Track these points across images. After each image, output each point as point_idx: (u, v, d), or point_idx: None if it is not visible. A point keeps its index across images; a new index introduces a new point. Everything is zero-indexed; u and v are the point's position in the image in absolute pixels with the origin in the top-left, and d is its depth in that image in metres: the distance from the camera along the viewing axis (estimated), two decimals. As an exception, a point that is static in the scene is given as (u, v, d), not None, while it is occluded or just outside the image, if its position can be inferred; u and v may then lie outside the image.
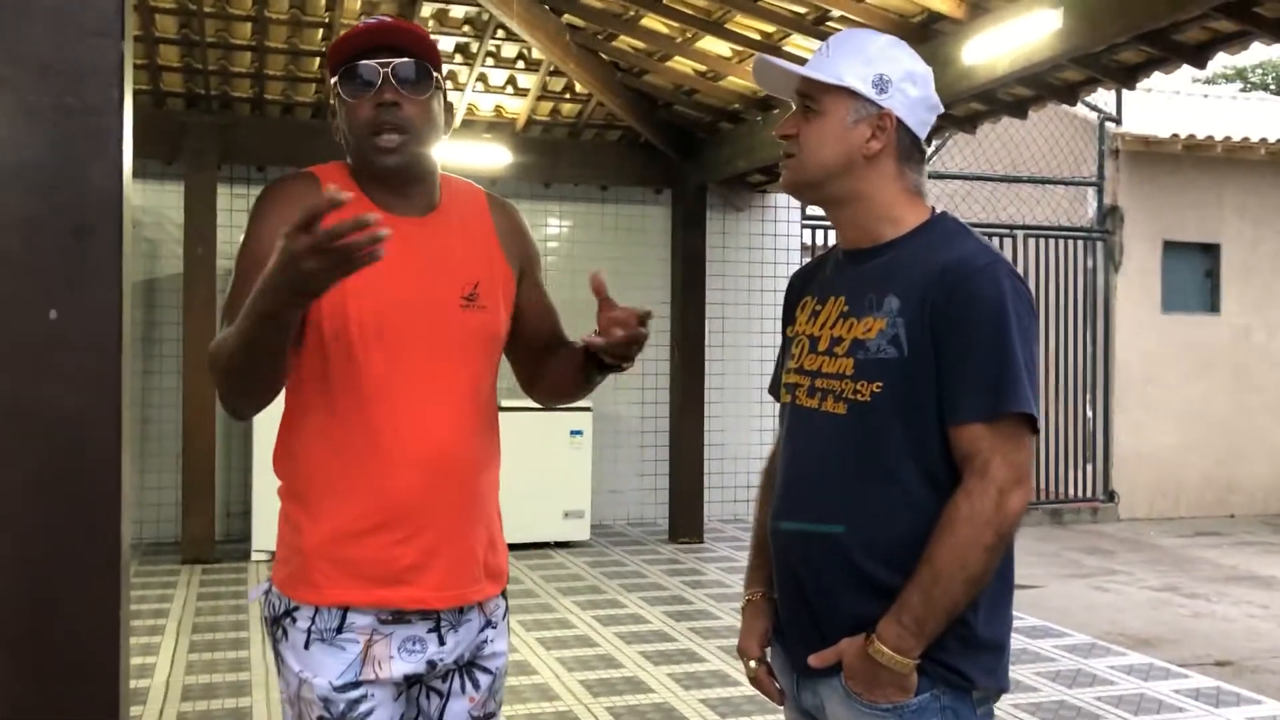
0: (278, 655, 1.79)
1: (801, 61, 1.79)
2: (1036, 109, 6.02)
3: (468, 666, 1.84)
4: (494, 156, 7.71)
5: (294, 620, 1.75)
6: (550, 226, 8.32)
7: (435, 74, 1.83)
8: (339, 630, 1.73)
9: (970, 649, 1.60)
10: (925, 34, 5.51)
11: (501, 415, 7.63)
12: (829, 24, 5.87)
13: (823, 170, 1.71)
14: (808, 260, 2.01)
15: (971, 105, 6.08)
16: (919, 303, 1.61)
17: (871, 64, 1.69)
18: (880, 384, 1.62)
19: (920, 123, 1.73)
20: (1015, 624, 5.57)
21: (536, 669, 4.76)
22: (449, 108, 1.94)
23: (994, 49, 4.98)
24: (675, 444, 8.01)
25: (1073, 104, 5.92)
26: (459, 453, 1.80)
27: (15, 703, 1.77)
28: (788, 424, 1.78)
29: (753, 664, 1.82)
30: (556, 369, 2.01)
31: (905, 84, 1.70)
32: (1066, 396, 10.09)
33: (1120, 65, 5.23)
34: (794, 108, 1.76)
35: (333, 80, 1.81)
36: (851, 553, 1.62)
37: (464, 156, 7.66)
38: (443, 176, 1.95)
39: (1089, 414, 10.14)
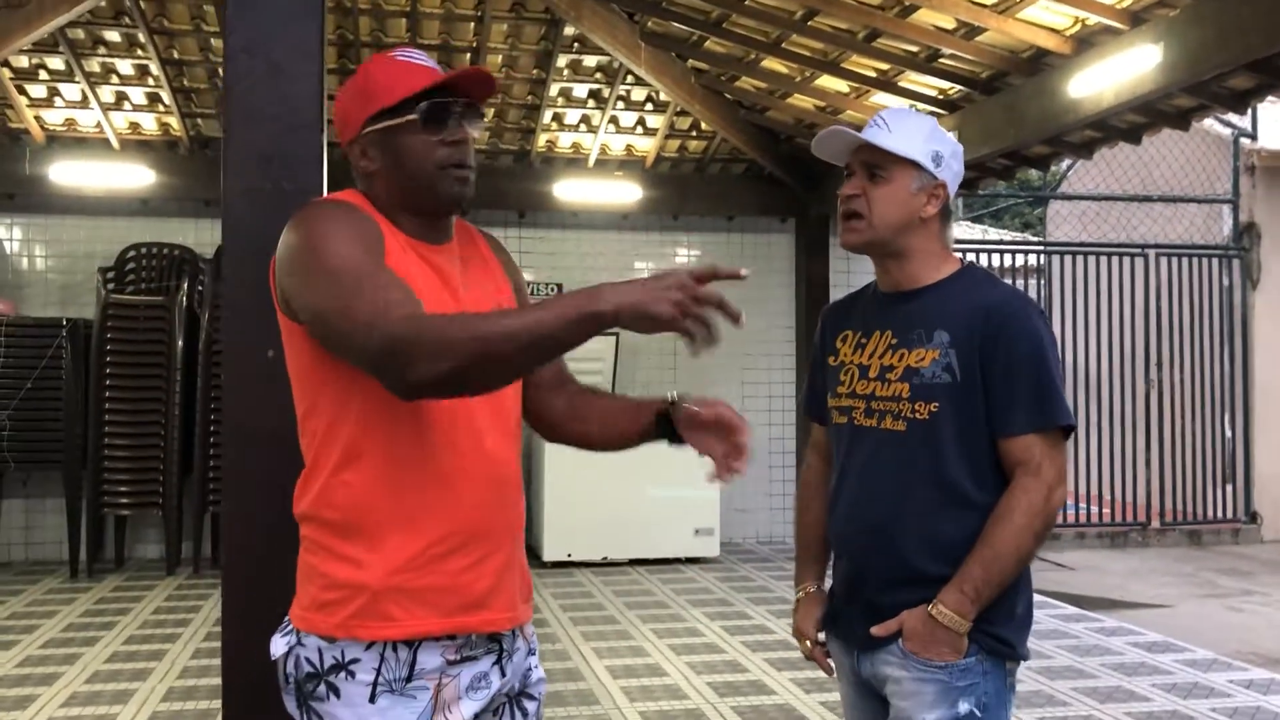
0: (316, 715, 1.66)
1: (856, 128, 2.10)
2: (1150, 134, 6.14)
3: (517, 696, 1.81)
4: (625, 193, 8.18)
5: (352, 674, 1.63)
6: (679, 256, 8.73)
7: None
8: (409, 679, 1.64)
9: (1010, 620, 1.96)
10: (1034, 68, 5.73)
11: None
12: (941, 61, 6.14)
13: (889, 230, 2.03)
14: (845, 295, 2.32)
15: (1086, 133, 6.25)
16: (967, 336, 1.95)
17: (930, 141, 2.03)
18: (936, 404, 1.96)
19: (955, 191, 2.10)
20: (1135, 638, 5.67)
21: (667, 671, 5.13)
22: None
23: (1099, 82, 5.18)
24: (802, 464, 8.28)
25: (1185, 129, 6.03)
26: (511, 473, 1.79)
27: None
28: (847, 441, 2.10)
29: (809, 643, 2.17)
30: (609, 418, 1.92)
31: (953, 160, 2.06)
32: (1204, 416, 9.96)
33: (1230, 91, 5.35)
34: (853, 172, 2.06)
35: (399, 119, 1.73)
36: (906, 546, 1.96)
37: (598, 194, 8.17)
38: None
39: (1228, 434, 9.99)
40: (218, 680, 4.91)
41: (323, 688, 1.64)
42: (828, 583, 2.20)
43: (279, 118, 2.38)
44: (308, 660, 1.66)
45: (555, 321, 1.50)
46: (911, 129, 2.04)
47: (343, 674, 1.63)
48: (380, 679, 1.62)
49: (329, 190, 2.46)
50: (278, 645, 1.71)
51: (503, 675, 1.74)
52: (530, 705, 1.81)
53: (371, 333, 1.49)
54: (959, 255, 2.12)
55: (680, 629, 5.97)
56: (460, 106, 1.75)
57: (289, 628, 1.71)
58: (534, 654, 1.83)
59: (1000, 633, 1.94)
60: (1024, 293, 2.05)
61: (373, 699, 1.62)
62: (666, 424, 1.83)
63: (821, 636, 2.16)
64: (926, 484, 1.96)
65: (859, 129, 2.06)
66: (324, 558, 1.67)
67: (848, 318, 2.17)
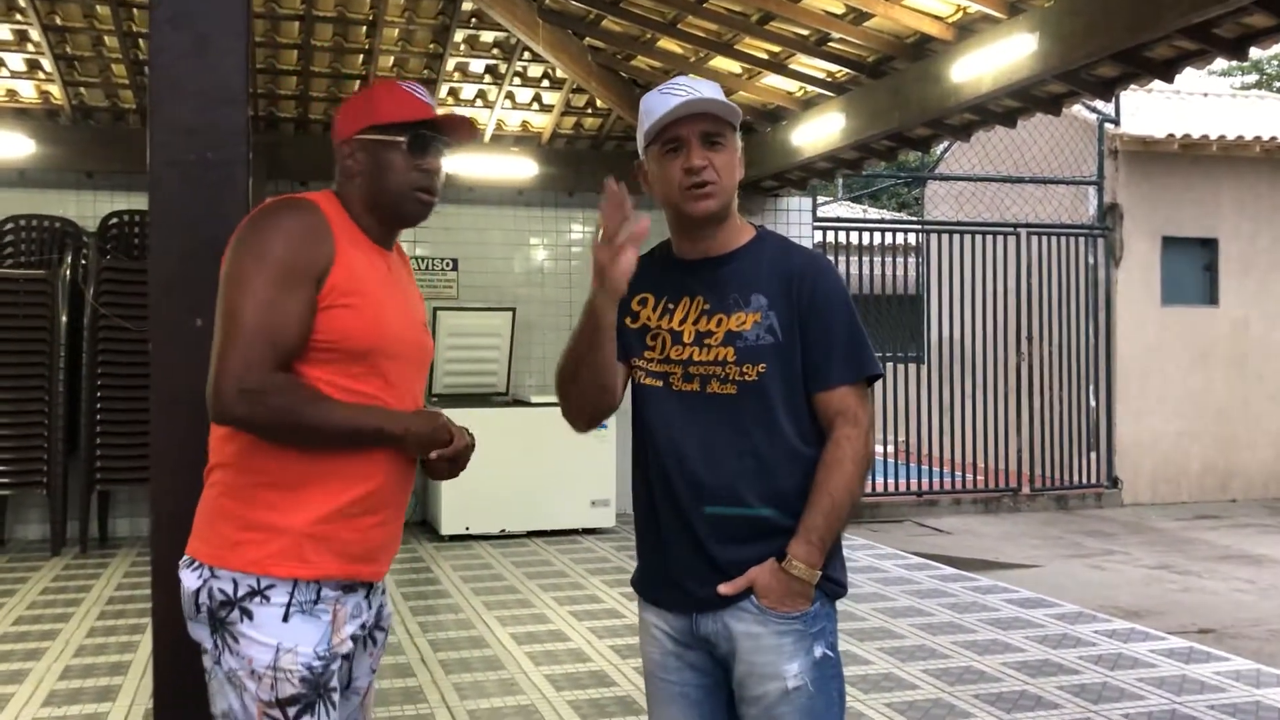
0: (230, 637, 1.88)
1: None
2: (1024, 119, 6.48)
3: (372, 630, 2.09)
4: (521, 168, 8.24)
5: (267, 598, 1.88)
6: (574, 233, 8.83)
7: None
8: (316, 601, 1.92)
9: (838, 562, 2.08)
10: (918, 53, 5.99)
11: (532, 410, 8.31)
12: (830, 45, 6.36)
13: (731, 195, 2.07)
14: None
15: (965, 116, 6.55)
16: (784, 298, 2.03)
17: (730, 103, 2.05)
18: (764, 365, 2.02)
19: None
20: (1009, 595, 6.03)
21: (570, 637, 5.27)
22: None
23: (979, 68, 5.46)
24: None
25: (1057, 114, 6.38)
26: (411, 460, 2.07)
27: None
28: (660, 404, 2.09)
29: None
30: None
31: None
32: (1070, 388, 10.52)
33: (1098, 79, 5.69)
34: (683, 144, 2.02)
35: (391, 137, 2.03)
36: (748, 502, 2.01)
37: (493, 169, 8.20)
38: None
39: (1092, 404, 10.58)
40: (116, 658, 4.90)
41: (236, 613, 1.89)
42: None
43: (204, 91, 2.41)
44: (221, 590, 1.90)
45: (356, 429, 1.92)
46: (716, 92, 2.05)
47: (257, 598, 1.88)
48: (293, 601, 1.90)
49: (252, 161, 2.51)
50: (189, 580, 1.93)
51: (370, 608, 2.06)
52: (380, 636, 2.12)
53: (227, 377, 1.84)
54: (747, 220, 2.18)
55: (581, 596, 6.11)
56: (440, 142, 2.08)
57: (197, 564, 1.93)
58: (384, 593, 2.15)
59: (834, 575, 2.05)
60: (821, 253, 2.13)
61: (286, 618, 1.89)
62: None
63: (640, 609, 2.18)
64: (762, 442, 2.02)
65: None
66: (243, 504, 1.92)
67: (642, 281, 2.07)
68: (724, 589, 2.00)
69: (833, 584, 2.06)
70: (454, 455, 1.98)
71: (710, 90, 2.04)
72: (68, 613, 5.71)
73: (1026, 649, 5.12)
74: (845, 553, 2.14)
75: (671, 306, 2.11)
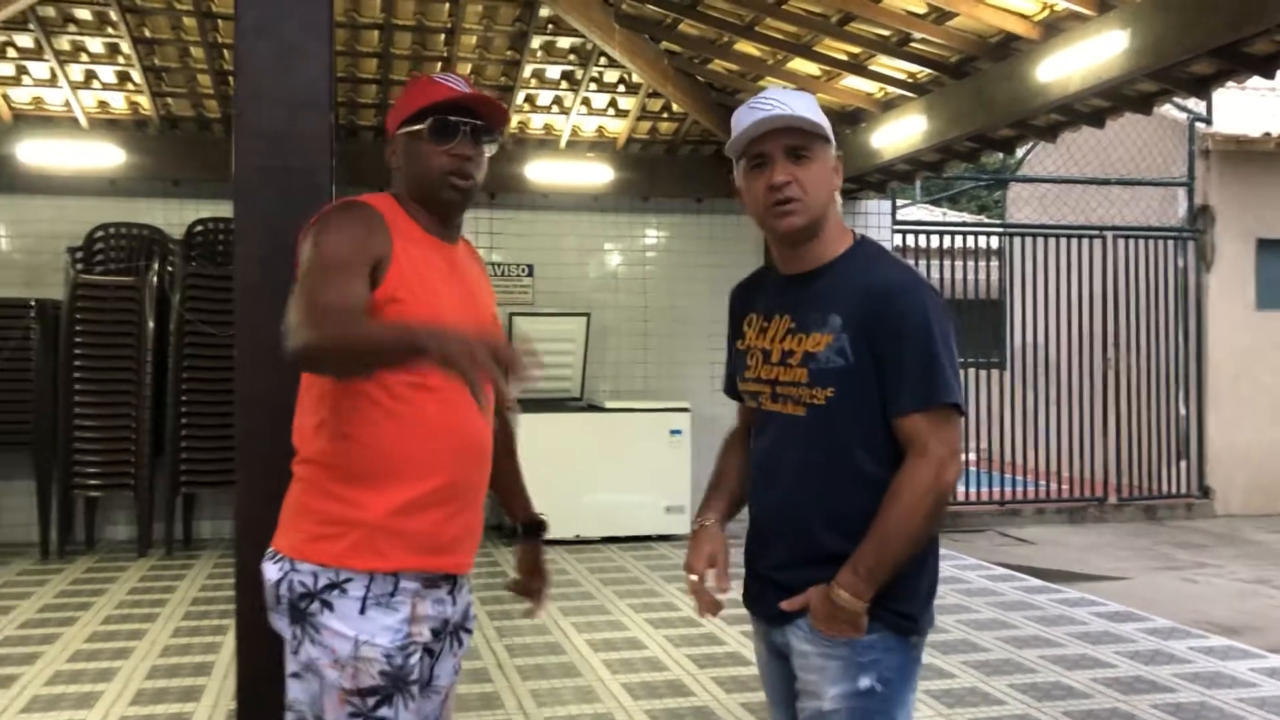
0: (311, 628, 1.92)
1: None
2: (1113, 118, 6.29)
3: (456, 630, 2.11)
4: (596, 174, 8.23)
5: (345, 591, 1.92)
6: (648, 238, 8.80)
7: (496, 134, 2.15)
8: (393, 594, 1.94)
9: (913, 597, 1.99)
10: (1002, 52, 5.86)
11: (605, 416, 8.29)
12: (912, 45, 6.25)
13: (821, 211, 2.01)
14: (748, 276, 2.28)
15: (1051, 116, 6.38)
16: (858, 318, 1.95)
17: (821, 116, 2.01)
18: (832, 390, 1.97)
19: None
20: (1098, 608, 5.85)
21: (646, 645, 5.23)
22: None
23: (1067, 67, 5.31)
24: (771, 443, 8.41)
25: (1148, 113, 6.18)
26: (489, 445, 2.10)
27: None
28: (757, 423, 2.13)
29: (694, 578, 2.13)
30: (503, 481, 2.33)
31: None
32: (1159, 395, 10.21)
33: (1193, 77, 5.49)
34: (769, 160, 1.99)
35: (416, 126, 2.03)
36: (812, 525, 1.99)
37: (568, 175, 8.21)
38: None
39: (1182, 411, 10.25)
40: (200, 658, 4.98)
41: (316, 604, 1.92)
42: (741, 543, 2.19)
43: (289, 97, 2.42)
44: (301, 583, 1.93)
45: (376, 340, 1.79)
46: (806, 103, 2.00)
47: (336, 591, 1.92)
48: (370, 594, 1.92)
49: (335, 168, 2.52)
50: (271, 571, 1.97)
51: (454, 604, 2.07)
52: (465, 636, 2.13)
53: (292, 318, 1.82)
54: (850, 229, 2.10)
55: (657, 604, 6.07)
56: (469, 126, 2.03)
57: (279, 557, 1.97)
58: (470, 592, 2.16)
59: (903, 608, 1.98)
60: (915, 269, 2.04)
61: (363, 610, 1.92)
62: (520, 532, 2.35)
63: (711, 575, 2.14)
64: (829, 467, 1.98)
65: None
66: (322, 498, 1.96)
67: (752, 300, 2.16)
68: (783, 605, 2.02)
69: (898, 617, 1.98)
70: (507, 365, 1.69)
71: (800, 103, 2.00)
72: (154, 613, 5.83)
73: (1118, 665, 4.95)
74: None
75: (766, 325, 2.10)
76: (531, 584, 2.34)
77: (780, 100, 1.99)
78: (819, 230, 2.03)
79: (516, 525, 2.36)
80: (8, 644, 5.22)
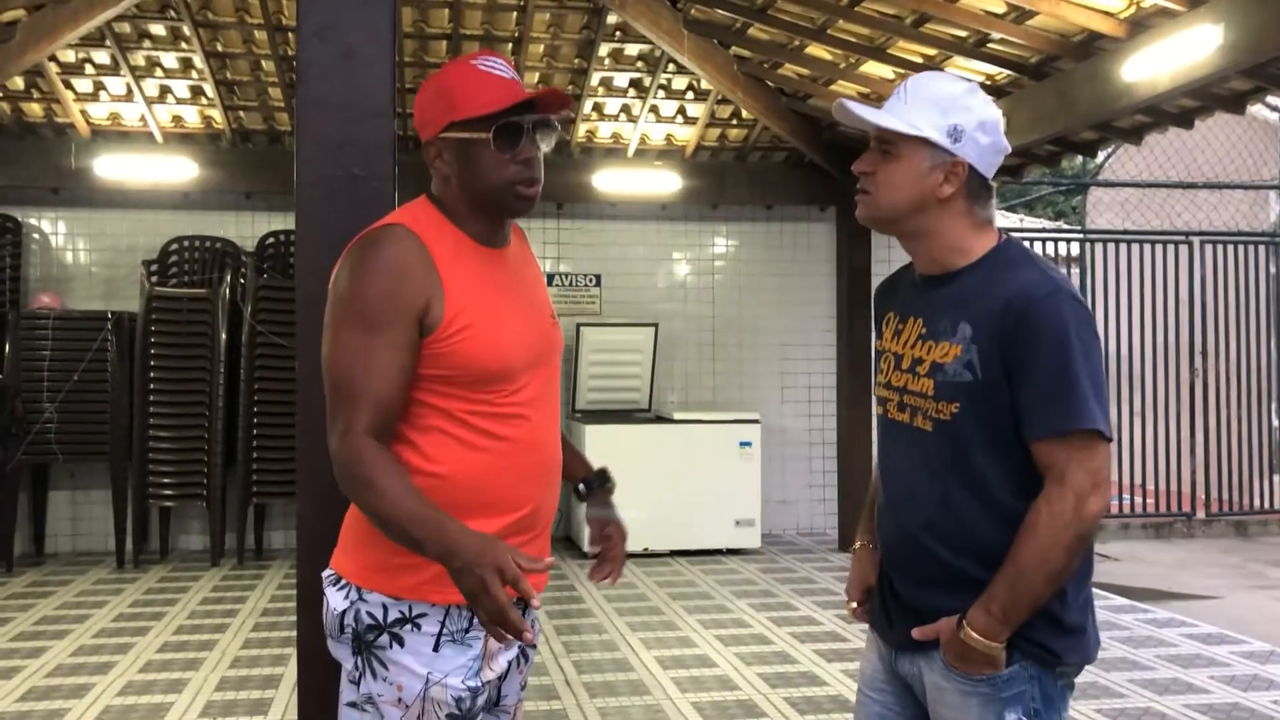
0: (378, 661, 1.82)
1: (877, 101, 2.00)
2: (1203, 119, 6.04)
3: (522, 646, 2.00)
4: (665, 182, 8.14)
5: (418, 626, 1.81)
6: (718, 246, 8.69)
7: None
8: (468, 630, 1.84)
9: (1057, 629, 1.81)
10: (1085, 52, 5.65)
11: (672, 427, 8.14)
12: (990, 46, 6.06)
13: (894, 210, 1.88)
14: (893, 272, 2.15)
15: (1136, 118, 6.15)
16: (989, 330, 1.79)
17: (947, 114, 1.83)
18: (957, 405, 1.81)
19: (989, 166, 1.89)
20: (1189, 630, 5.59)
21: (717, 662, 5.11)
22: None
23: (1156, 66, 5.09)
24: (844, 455, 8.25)
25: (1240, 113, 5.92)
26: (559, 463, 2.01)
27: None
28: (882, 433, 2.00)
29: (854, 605, 2.09)
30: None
31: (977, 133, 1.84)
32: (1250, 406, 9.82)
33: (1290, 74, 5.25)
34: (870, 146, 1.90)
35: (474, 134, 1.85)
36: (941, 552, 1.84)
37: (636, 184, 8.13)
38: None
39: (1275, 423, 9.85)
40: (270, 670, 4.96)
41: (385, 638, 1.82)
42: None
43: (351, 104, 2.36)
44: (369, 614, 1.83)
45: (410, 524, 1.72)
46: (928, 100, 1.84)
47: (408, 626, 1.82)
48: (444, 630, 1.83)
49: (399, 178, 2.45)
50: (336, 601, 1.86)
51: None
52: (530, 653, 2.05)
53: (332, 435, 1.79)
54: (999, 230, 1.93)
55: (726, 620, 5.94)
56: (531, 124, 1.86)
57: (343, 583, 1.86)
58: (536, 610, 2.01)
59: (1044, 642, 1.81)
60: (1057, 275, 1.84)
61: (437, 648, 1.82)
62: (584, 489, 2.19)
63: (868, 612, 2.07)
64: (959, 488, 1.83)
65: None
66: None
67: (891, 299, 2.05)
68: (915, 634, 1.87)
69: (1040, 649, 1.82)
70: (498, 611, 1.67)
71: (904, 106, 1.85)
72: (225, 623, 5.85)
73: (1212, 690, 4.71)
74: None
75: (900, 327, 1.97)
76: (609, 550, 2.12)
77: (903, 90, 1.88)
78: (908, 230, 1.91)
79: (579, 485, 2.17)
80: (83, 652, 5.27)
